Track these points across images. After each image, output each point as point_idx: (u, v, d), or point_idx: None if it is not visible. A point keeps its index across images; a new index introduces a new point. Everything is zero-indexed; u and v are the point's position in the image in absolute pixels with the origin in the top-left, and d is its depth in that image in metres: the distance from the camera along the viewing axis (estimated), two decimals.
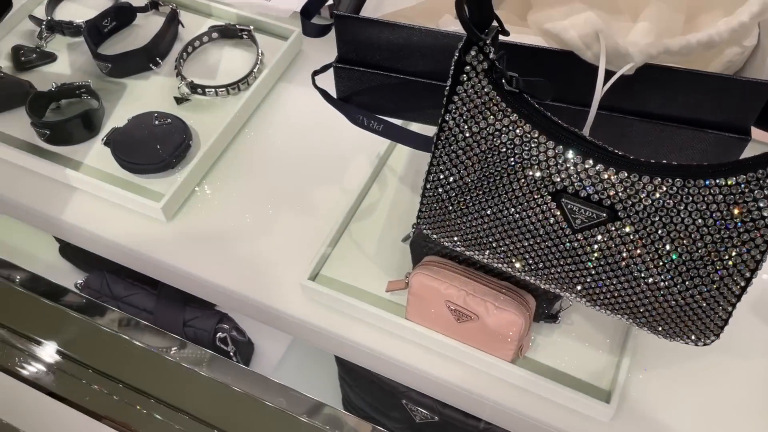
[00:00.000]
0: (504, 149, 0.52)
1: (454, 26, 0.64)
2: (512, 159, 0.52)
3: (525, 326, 0.76)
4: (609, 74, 0.56)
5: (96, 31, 1.15)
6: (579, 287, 0.56)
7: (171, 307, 1.23)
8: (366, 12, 0.67)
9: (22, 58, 1.14)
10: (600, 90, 0.56)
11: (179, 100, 1.09)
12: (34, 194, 1.00)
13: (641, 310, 0.54)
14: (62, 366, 0.99)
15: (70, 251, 1.38)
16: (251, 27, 1.16)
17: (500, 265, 0.59)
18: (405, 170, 1.01)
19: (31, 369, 1.00)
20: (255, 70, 1.10)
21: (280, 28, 1.16)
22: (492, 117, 0.52)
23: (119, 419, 0.98)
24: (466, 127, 0.53)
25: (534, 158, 0.51)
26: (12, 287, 1.07)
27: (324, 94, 0.74)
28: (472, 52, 0.52)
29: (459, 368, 0.82)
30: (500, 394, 0.80)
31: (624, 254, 0.51)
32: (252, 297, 0.90)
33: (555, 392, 0.77)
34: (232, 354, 1.26)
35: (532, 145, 0.51)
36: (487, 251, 0.58)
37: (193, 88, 1.08)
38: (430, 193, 0.58)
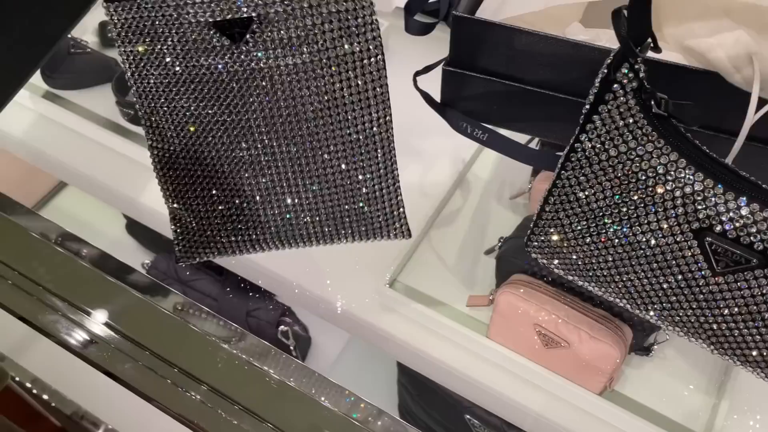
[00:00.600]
0: (644, 177, 0.47)
1: (583, 35, 0.59)
2: (652, 189, 0.47)
3: (620, 359, 0.71)
4: (760, 101, 0.51)
5: None
6: (708, 333, 0.51)
7: (235, 295, 1.21)
8: (484, 14, 0.62)
9: (109, 35, 1.13)
10: (751, 119, 0.50)
11: None
12: (113, 172, 0.99)
13: None
14: (119, 344, 0.99)
15: (137, 229, 1.38)
16: None
17: (618, 300, 0.55)
18: (491, 177, 0.97)
19: (88, 345, 1.00)
20: None
21: None
22: (634, 141, 0.47)
23: (169, 404, 0.97)
24: (603, 149, 0.48)
25: (678, 190, 0.46)
26: (78, 262, 1.07)
27: (426, 97, 0.70)
28: (624, 70, 0.47)
29: (542, 395, 0.77)
30: (584, 428, 0.75)
31: None
32: (325, 297, 0.87)
33: (645, 431, 0.72)
34: (292, 348, 1.24)
35: (678, 176, 0.46)
36: (609, 285, 0.54)
37: None
38: (550, 216, 0.54)
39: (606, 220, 0.50)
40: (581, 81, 0.60)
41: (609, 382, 0.74)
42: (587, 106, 0.49)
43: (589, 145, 0.49)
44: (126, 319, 1.01)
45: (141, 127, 0.66)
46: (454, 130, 0.68)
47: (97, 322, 0.99)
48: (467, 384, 0.81)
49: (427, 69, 0.72)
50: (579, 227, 0.52)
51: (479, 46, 0.61)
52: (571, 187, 0.51)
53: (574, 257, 0.54)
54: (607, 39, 0.58)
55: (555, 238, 0.54)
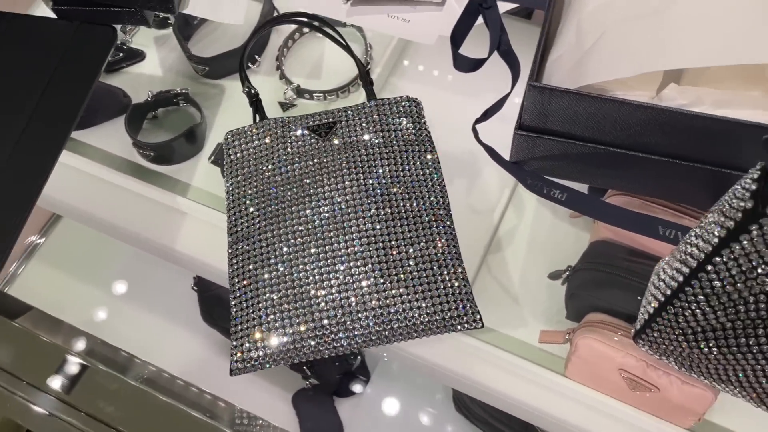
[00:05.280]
0: None
1: (681, 99, 0.52)
2: None
3: (714, 400, 0.69)
4: None
5: (185, 24, 1.04)
6: None
7: None
8: (557, 76, 0.55)
9: (110, 58, 1.04)
10: None
11: (284, 106, 0.99)
12: (141, 217, 0.93)
13: None
14: None
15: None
16: None
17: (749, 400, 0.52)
18: None
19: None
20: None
21: None
22: None
23: None
24: (740, 272, 0.44)
25: None
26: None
27: (492, 153, 0.64)
28: None
29: (627, 429, 0.75)
30: None
31: None
32: (395, 349, 0.84)
33: None
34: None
35: None
36: (736, 389, 0.50)
37: (300, 92, 0.98)
38: (668, 324, 0.49)
39: (739, 339, 0.46)
40: (681, 144, 0.54)
41: (699, 417, 0.72)
42: (724, 231, 0.44)
43: (725, 269, 0.44)
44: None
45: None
46: (528, 190, 0.62)
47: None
48: (545, 420, 0.79)
49: (487, 115, 0.66)
50: (705, 340, 0.48)
51: (559, 113, 0.55)
52: (698, 303, 0.47)
53: (695, 363, 0.50)
54: (711, 102, 0.52)
55: (672, 345, 0.50)
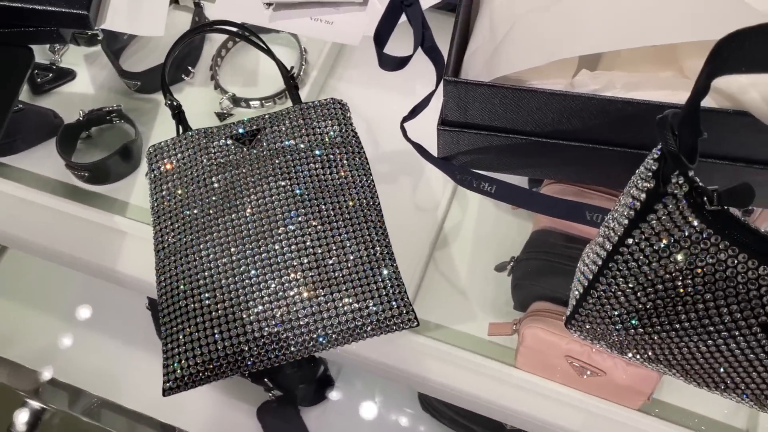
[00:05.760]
0: (702, 274, 0.43)
1: (593, 84, 0.53)
2: (711, 287, 0.43)
3: (659, 379, 0.69)
4: None
5: (114, 40, 1.02)
6: None
7: None
8: (474, 70, 0.55)
9: (38, 80, 1.02)
10: None
11: (221, 116, 0.97)
12: (80, 241, 0.91)
13: None
14: None
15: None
16: None
17: (683, 380, 0.52)
18: None
19: None
20: (300, 72, 0.97)
21: None
22: (688, 242, 0.42)
23: None
24: (653, 252, 0.44)
25: (740, 285, 0.42)
26: None
27: (420, 150, 0.63)
28: (674, 179, 0.41)
29: (579, 415, 0.76)
30: None
31: None
32: (347, 349, 0.83)
33: None
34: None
35: (739, 270, 0.42)
36: (667, 369, 0.51)
37: (236, 101, 0.97)
38: (594, 309, 0.49)
39: (661, 317, 0.46)
40: (594, 128, 0.54)
41: (648, 396, 0.72)
42: (632, 212, 0.44)
43: (638, 250, 0.44)
44: None
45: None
46: (456, 183, 0.62)
47: None
48: (499, 411, 0.79)
49: (414, 113, 0.65)
50: (630, 322, 0.48)
51: (478, 107, 0.54)
52: (619, 286, 0.47)
53: (623, 344, 0.51)
54: (623, 85, 0.52)
55: (600, 328, 0.50)
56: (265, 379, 1.20)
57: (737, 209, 0.42)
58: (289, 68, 0.79)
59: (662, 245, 0.43)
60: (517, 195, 0.59)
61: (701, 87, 0.41)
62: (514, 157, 0.58)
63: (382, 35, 0.65)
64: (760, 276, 0.42)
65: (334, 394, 1.31)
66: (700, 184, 0.41)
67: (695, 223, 0.42)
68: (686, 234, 0.42)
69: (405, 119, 0.65)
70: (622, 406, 0.73)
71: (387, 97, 0.98)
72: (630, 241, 0.45)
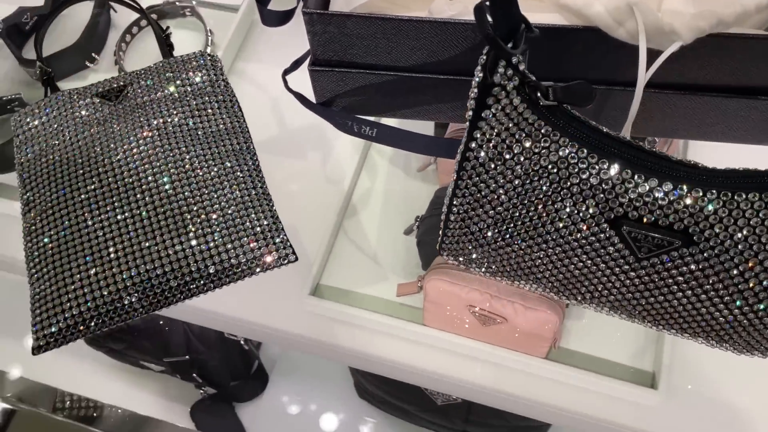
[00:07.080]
0: (546, 174, 0.43)
1: (450, 10, 0.53)
2: (557, 186, 0.43)
3: (559, 322, 0.69)
4: (649, 52, 0.47)
5: (16, 31, 1.00)
6: (644, 314, 0.48)
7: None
8: (336, 5, 0.55)
9: None
10: (643, 76, 0.46)
11: None
12: None
13: (714, 334, 0.47)
14: None
15: None
16: (194, 1, 1.02)
17: (548, 293, 0.52)
18: (394, 153, 0.91)
19: None
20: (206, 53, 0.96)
21: None
22: (529, 140, 0.42)
23: None
24: (496, 153, 0.44)
25: (584, 182, 0.42)
26: None
27: (301, 99, 0.63)
28: (501, 69, 0.42)
29: (488, 369, 0.75)
30: (537, 392, 0.74)
31: (702, 281, 0.43)
32: (253, 321, 0.81)
33: (595, 383, 0.72)
34: (242, 342, 1.20)
35: (581, 166, 0.42)
36: (534, 284, 0.50)
37: None
38: (456, 226, 0.49)
39: (517, 224, 0.46)
40: (460, 59, 0.54)
41: (553, 343, 0.72)
42: (470, 113, 0.44)
43: (481, 152, 0.44)
44: None
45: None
46: (339, 130, 0.62)
47: None
48: (413, 374, 0.79)
49: (297, 64, 0.65)
50: (489, 234, 0.48)
51: (341, 40, 0.54)
52: (472, 195, 0.46)
53: (492, 261, 0.50)
54: None
55: (468, 247, 0.50)
56: (194, 375, 1.17)
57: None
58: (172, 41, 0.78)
59: (504, 145, 0.43)
60: (398, 137, 0.59)
61: None
62: (388, 96, 0.57)
63: None
64: (601, 170, 0.42)
65: (269, 389, 1.29)
66: (532, 78, 0.41)
67: (531, 118, 0.42)
68: (525, 131, 0.42)
69: (286, 71, 0.64)
70: (530, 356, 0.73)
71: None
72: (473, 144, 0.44)
